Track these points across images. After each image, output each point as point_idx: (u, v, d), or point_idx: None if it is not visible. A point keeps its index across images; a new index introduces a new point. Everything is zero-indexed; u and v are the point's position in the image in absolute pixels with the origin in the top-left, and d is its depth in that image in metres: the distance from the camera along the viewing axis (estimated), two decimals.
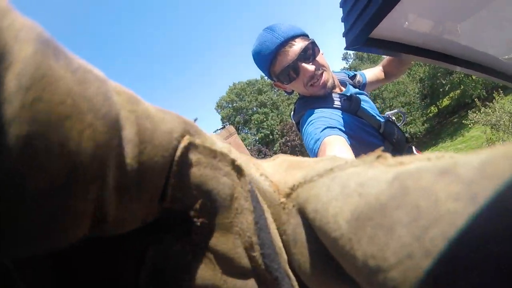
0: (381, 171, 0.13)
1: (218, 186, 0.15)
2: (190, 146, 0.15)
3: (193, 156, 0.15)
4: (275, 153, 32.29)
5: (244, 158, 0.18)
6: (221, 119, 40.30)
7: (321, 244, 0.15)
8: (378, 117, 1.14)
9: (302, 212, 0.16)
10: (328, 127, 0.94)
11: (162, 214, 0.15)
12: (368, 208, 0.12)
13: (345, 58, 39.76)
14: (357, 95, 1.12)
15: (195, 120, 0.48)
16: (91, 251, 0.14)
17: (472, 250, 0.08)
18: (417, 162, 0.13)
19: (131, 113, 0.14)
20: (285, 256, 0.17)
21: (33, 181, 0.10)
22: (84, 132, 0.11)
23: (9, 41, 0.10)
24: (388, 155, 0.15)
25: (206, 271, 0.15)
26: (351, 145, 0.87)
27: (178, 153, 0.15)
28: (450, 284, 0.08)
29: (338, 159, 0.17)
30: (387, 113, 1.27)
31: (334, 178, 0.15)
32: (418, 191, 0.10)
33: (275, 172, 0.19)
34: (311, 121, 1.01)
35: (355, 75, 1.31)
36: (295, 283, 0.17)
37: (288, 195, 0.17)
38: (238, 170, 0.16)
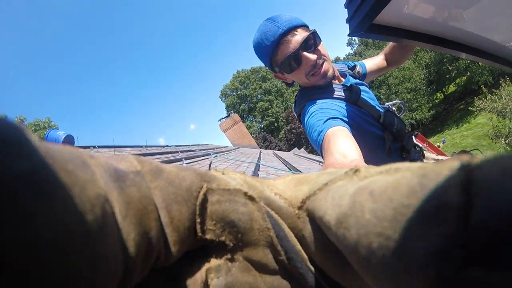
0: (352, 184, 0.19)
1: (238, 215, 0.20)
2: (208, 191, 0.21)
3: (213, 198, 0.21)
4: (280, 140, 32.33)
5: (258, 183, 0.23)
6: (225, 108, 40.08)
7: (330, 241, 0.20)
8: (378, 107, 1.14)
9: (312, 219, 0.21)
10: (330, 118, 0.94)
11: (203, 243, 0.20)
12: (341, 216, 0.18)
13: (349, 44, 39.25)
14: (357, 85, 1.12)
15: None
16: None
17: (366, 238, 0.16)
18: (373, 177, 0.19)
19: (155, 189, 0.19)
20: (305, 256, 0.21)
21: None
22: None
23: None
24: (363, 169, 0.20)
25: (248, 276, 0.20)
26: (352, 135, 0.87)
27: (199, 199, 0.20)
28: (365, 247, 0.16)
29: (333, 172, 0.22)
30: (387, 103, 1.27)
31: (329, 191, 0.20)
32: (355, 204, 0.17)
33: (286, 188, 0.23)
34: (312, 112, 1.01)
35: (354, 66, 1.30)
36: (316, 275, 0.21)
37: (300, 207, 0.22)
38: (251, 199, 0.21)
